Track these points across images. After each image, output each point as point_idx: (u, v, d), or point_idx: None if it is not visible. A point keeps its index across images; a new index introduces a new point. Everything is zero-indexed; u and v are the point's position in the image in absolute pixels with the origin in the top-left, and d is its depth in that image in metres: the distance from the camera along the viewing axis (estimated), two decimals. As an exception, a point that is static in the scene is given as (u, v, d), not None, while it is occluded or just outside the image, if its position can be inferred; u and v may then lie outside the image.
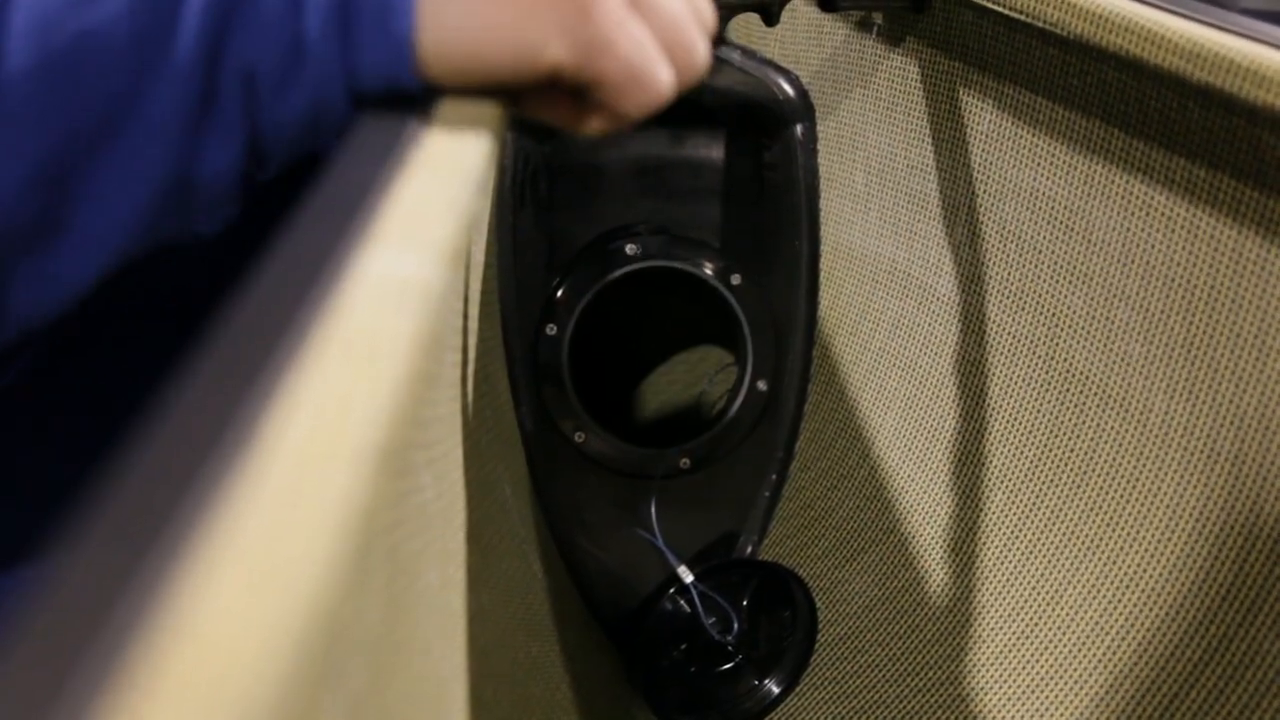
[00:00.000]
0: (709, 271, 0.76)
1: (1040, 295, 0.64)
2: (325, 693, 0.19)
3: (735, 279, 0.77)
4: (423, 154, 0.29)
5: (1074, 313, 0.62)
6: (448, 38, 0.34)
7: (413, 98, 0.34)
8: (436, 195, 0.27)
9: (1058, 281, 0.63)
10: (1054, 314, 0.63)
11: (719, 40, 0.72)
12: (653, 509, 0.77)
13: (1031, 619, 0.64)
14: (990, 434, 0.68)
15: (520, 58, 0.34)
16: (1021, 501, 0.66)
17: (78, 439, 0.46)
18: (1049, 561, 0.64)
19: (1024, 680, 0.64)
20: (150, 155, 0.33)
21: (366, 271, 0.23)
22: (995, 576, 0.67)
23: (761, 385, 0.79)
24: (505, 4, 0.34)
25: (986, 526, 0.68)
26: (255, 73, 0.33)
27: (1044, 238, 0.63)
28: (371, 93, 0.34)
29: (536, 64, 0.35)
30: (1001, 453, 0.67)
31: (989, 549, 0.67)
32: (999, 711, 0.65)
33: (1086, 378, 0.61)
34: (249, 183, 0.36)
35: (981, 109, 0.66)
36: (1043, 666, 0.63)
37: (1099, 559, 0.60)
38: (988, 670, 0.66)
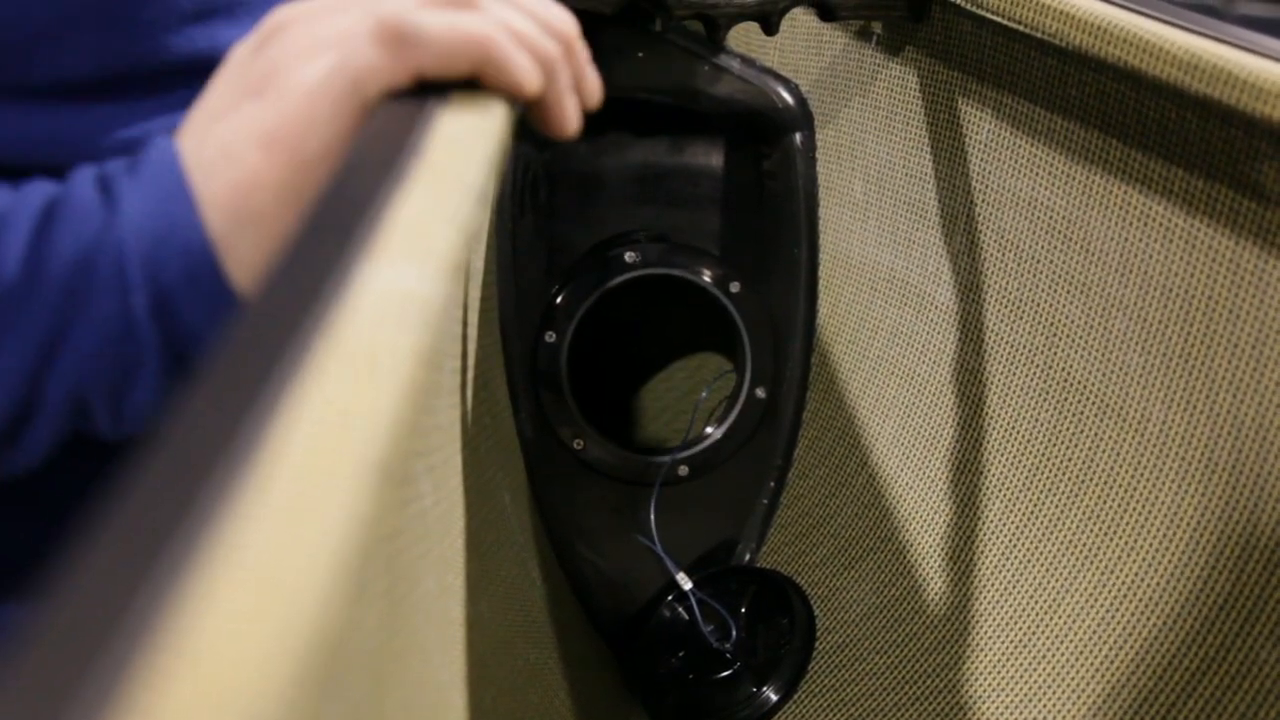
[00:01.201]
0: (708, 279, 0.77)
1: (1038, 304, 0.64)
2: (326, 704, 0.19)
3: (734, 286, 0.77)
4: (424, 166, 0.30)
5: (1072, 322, 0.62)
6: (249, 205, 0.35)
7: (413, 113, 0.34)
8: (438, 208, 0.27)
9: (1056, 291, 0.63)
10: (1052, 323, 0.63)
11: (719, 48, 0.72)
12: (652, 516, 0.77)
13: (1029, 627, 0.64)
14: (988, 442, 0.68)
15: (340, 104, 0.35)
16: (1019, 510, 0.66)
17: (78, 444, 0.46)
18: (1046, 570, 0.64)
19: (1022, 688, 0.64)
20: None
21: (368, 286, 0.23)
22: (993, 584, 0.67)
23: (760, 392, 0.79)
24: (285, 113, 0.35)
25: (984, 535, 0.68)
26: (86, 396, 0.36)
27: (1042, 247, 0.63)
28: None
29: (362, 102, 0.35)
30: (999, 461, 0.67)
31: (987, 557, 0.67)
32: (997, 719, 0.65)
33: (1084, 387, 0.62)
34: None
35: (980, 118, 0.66)
36: (1040, 675, 0.63)
37: (1096, 568, 0.60)
38: (986, 678, 0.66)
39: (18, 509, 0.45)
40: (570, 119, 0.40)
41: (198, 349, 0.35)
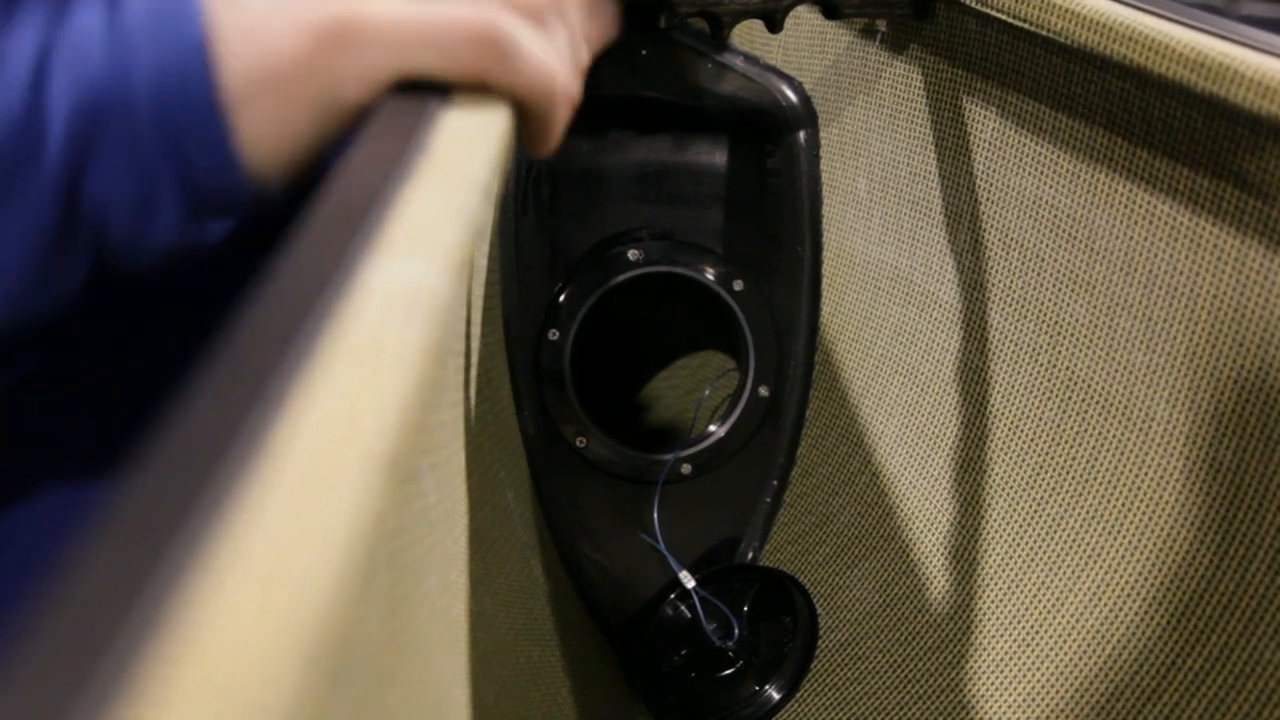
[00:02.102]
0: (711, 277, 0.77)
1: (1042, 303, 0.64)
2: (331, 698, 0.19)
3: (737, 284, 0.77)
4: (430, 161, 0.30)
5: (1076, 321, 0.62)
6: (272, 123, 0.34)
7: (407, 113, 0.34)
8: (444, 203, 0.27)
9: (1060, 289, 0.63)
10: (1056, 322, 0.63)
11: (722, 45, 0.72)
12: (655, 514, 0.77)
13: (1032, 626, 0.64)
14: (992, 441, 0.68)
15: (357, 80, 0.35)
16: (1023, 509, 0.66)
17: (78, 440, 0.46)
18: (1050, 569, 0.64)
19: (1025, 687, 0.64)
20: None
21: (374, 280, 0.23)
22: (996, 584, 0.67)
23: (763, 391, 0.79)
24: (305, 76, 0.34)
25: (988, 534, 0.68)
26: (106, 236, 0.35)
27: (1046, 245, 0.63)
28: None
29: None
30: (1003, 460, 0.67)
31: (990, 556, 0.67)
32: (999, 718, 0.65)
33: (1089, 386, 0.61)
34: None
35: (984, 116, 0.66)
36: (1043, 674, 0.63)
37: (1100, 567, 0.60)
38: (988, 677, 0.66)
39: (23, 505, 0.45)
40: (555, 145, 0.41)
41: (215, 196, 0.35)
